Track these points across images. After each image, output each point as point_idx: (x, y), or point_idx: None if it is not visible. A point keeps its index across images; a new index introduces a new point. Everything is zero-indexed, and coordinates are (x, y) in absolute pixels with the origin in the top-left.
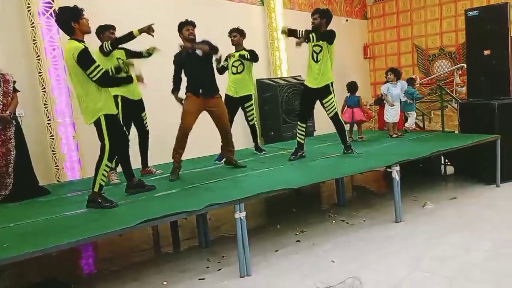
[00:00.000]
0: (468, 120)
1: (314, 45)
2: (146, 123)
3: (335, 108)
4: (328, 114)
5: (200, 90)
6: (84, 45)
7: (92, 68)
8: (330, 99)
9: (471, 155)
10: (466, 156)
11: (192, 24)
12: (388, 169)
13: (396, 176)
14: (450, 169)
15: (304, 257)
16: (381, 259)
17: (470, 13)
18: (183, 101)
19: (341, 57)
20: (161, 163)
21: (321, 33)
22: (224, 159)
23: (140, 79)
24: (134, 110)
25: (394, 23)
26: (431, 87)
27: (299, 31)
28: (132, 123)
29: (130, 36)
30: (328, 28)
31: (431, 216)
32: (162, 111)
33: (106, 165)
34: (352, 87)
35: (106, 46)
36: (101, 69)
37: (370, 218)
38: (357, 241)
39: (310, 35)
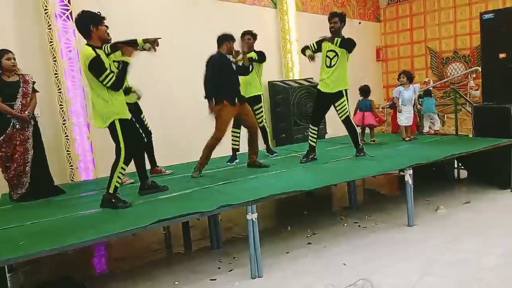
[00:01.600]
0: (482, 124)
1: (329, 51)
2: (147, 123)
3: (346, 112)
4: (340, 117)
5: (237, 99)
6: (97, 53)
7: (103, 76)
8: (342, 102)
9: (485, 159)
10: (480, 160)
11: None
12: (401, 173)
13: (409, 179)
14: (463, 173)
15: (315, 259)
16: (393, 263)
17: (486, 16)
18: (216, 110)
19: (354, 60)
20: (172, 164)
21: (344, 40)
22: (237, 160)
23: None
24: (132, 113)
25: (407, 25)
26: (444, 90)
27: (310, 44)
28: None
29: (133, 44)
30: (342, 30)
31: (444, 220)
32: (172, 113)
33: (121, 167)
34: (364, 91)
35: (106, 48)
36: (112, 75)
37: (382, 222)
38: (368, 244)
39: (326, 43)
